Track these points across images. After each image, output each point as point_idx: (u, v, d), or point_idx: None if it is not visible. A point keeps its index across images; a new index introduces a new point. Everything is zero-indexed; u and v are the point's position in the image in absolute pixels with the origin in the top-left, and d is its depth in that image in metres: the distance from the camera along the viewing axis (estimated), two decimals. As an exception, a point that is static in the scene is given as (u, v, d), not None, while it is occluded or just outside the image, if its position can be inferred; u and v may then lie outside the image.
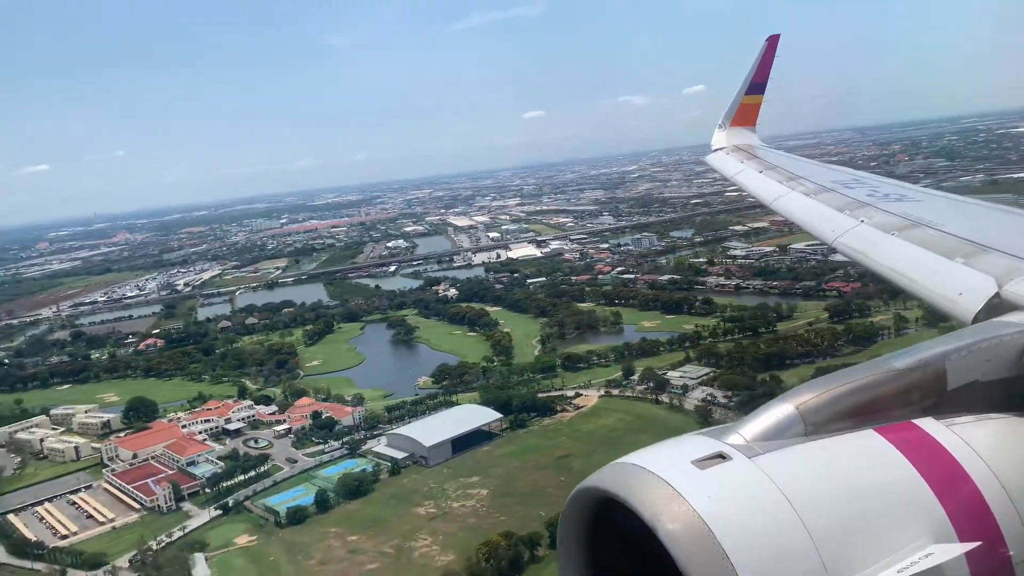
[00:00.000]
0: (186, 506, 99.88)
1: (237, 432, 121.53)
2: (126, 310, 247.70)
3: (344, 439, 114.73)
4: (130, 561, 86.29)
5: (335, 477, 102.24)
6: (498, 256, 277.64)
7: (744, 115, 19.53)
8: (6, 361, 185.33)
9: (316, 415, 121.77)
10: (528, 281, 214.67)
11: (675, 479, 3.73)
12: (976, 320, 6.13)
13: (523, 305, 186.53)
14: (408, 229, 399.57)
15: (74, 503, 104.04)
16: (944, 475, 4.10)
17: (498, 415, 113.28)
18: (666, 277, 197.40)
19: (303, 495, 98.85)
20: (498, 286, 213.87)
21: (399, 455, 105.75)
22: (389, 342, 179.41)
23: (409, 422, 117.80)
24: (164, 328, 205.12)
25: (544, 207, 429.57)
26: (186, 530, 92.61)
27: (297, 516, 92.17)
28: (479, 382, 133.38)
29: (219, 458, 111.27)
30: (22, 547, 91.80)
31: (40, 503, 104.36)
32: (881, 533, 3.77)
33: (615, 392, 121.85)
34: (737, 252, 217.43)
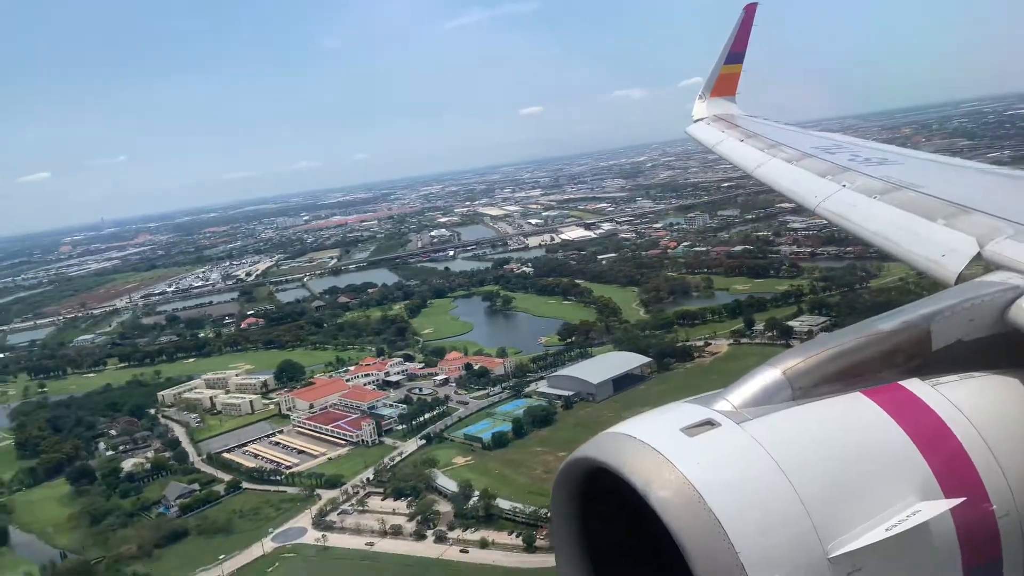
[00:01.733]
0: (387, 440, 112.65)
1: (397, 384, 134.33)
2: (199, 298, 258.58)
3: (503, 385, 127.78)
4: (367, 480, 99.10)
5: (513, 413, 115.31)
6: (551, 239, 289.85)
7: (724, 85, 19.78)
8: (117, 341, 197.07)
9: (468, 367, 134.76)
10: (599, 257, 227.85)
11: (665, 447, 3.88)
12: (959, 281, 6.28)
13: (607, 276, 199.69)
14: (442, 220, 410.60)
15: (277, 443, 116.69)
16: (930, 434, 4.29)
17: (647, 359, 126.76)
18: (739, 248, 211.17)
19: (489, 427, 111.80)
20: (572, 262, 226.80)
21: (565, 393, 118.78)
22: (486, 312, 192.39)
23: (556, 370, 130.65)
24: (256, 309, 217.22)
25: (570, 196, 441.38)
26: (403, 455, 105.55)
27: (500, 440, 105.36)
28: (604, 338, 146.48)
29: (397, 402, 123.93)
30: (258, 475, 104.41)
31: (244, 445, 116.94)
32: (869, 493, 3.95)
33: (743, 341, 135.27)
34: (797, 225, 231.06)
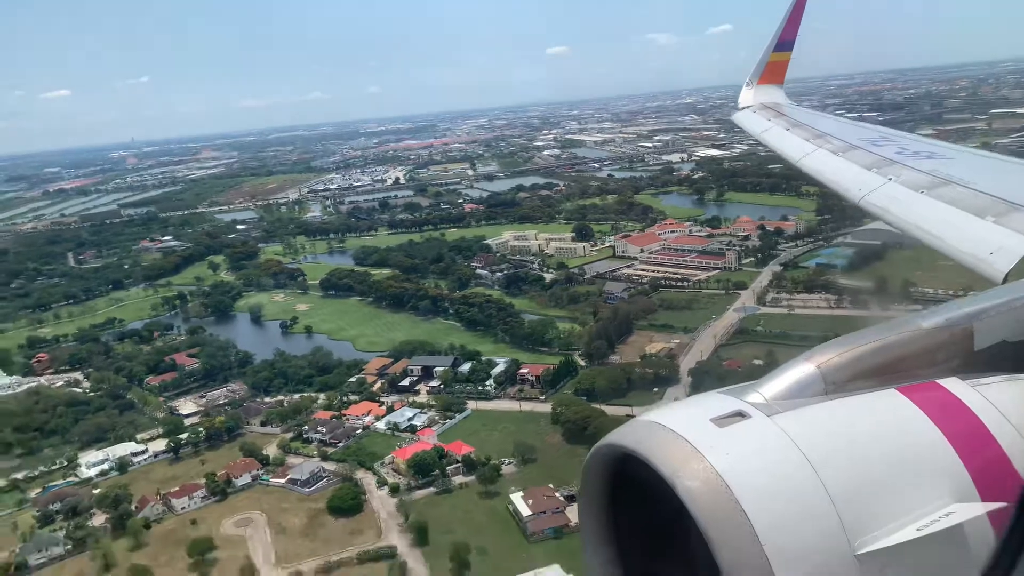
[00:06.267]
0: (745, 268, 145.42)
1: (701, 237, 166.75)
2: (372, 194, 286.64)
3: (803, 239, 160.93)
4: (768, 283, 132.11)
5: (835, 254, 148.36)
6: (688, 156, 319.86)
7: (772, 73, 20.68)
8: (361, 216, 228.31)
9: (761, 227, 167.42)
10: (768, 166, 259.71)
11: (694, 436, 4.01)
12: (1007, 279, 6.45)
13: (800, 177, 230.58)
14: (540, 143, 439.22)
15: (643, 270, 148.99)
16: (967, 435, 4.27)
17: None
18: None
19: (828, 259, 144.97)
20: (747, 168, 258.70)
21: (874, 242, 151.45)
22: (696, 203, 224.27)
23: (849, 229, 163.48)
24: (465, 197, 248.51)
25: (654, 127, 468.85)
26: (774, 273, 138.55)
27: (851, 265, 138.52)
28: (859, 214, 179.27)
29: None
30: (663, 284, 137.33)
31: (614, 271, 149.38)
32: (901, 492, 3.99)
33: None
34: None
